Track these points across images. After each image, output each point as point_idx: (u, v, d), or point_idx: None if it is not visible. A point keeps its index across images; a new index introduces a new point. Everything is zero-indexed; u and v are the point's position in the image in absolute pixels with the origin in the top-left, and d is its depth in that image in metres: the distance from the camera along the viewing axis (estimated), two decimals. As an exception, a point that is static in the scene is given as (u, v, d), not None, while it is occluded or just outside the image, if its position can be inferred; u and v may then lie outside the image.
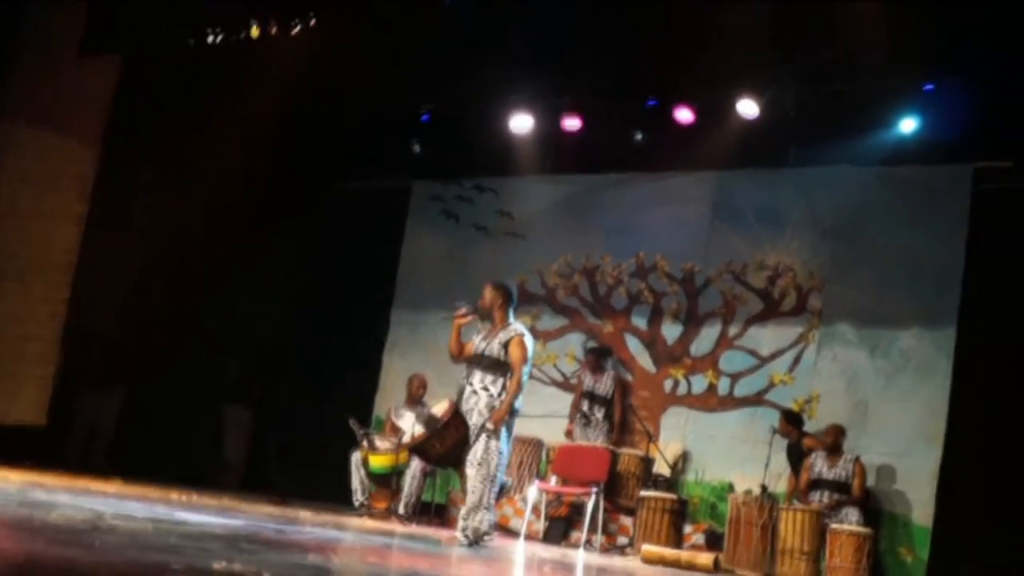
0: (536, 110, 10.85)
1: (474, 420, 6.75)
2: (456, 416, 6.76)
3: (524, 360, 6.84)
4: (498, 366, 6.82)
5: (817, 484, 8.93)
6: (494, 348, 6.85)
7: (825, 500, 8.79)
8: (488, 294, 7.06)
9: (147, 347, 10.94)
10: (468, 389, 6.85)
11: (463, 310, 6.95)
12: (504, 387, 6.81)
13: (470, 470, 6.72)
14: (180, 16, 9.90)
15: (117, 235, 10.18)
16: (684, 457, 10.22)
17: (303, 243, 12.51)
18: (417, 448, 7.25)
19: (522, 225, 11.70)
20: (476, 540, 6.61)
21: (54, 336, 9.82)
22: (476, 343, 6.99)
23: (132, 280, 10.39)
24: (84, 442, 10.77)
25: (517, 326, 7.02)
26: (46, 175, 9.94)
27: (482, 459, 6.67)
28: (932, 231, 9.57)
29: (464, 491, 6.81)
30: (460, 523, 6.76)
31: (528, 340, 6.94)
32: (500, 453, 6.75)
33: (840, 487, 8.83)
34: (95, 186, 9.92)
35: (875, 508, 9.10)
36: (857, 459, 8.95)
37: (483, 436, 6.70)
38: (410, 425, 9.55)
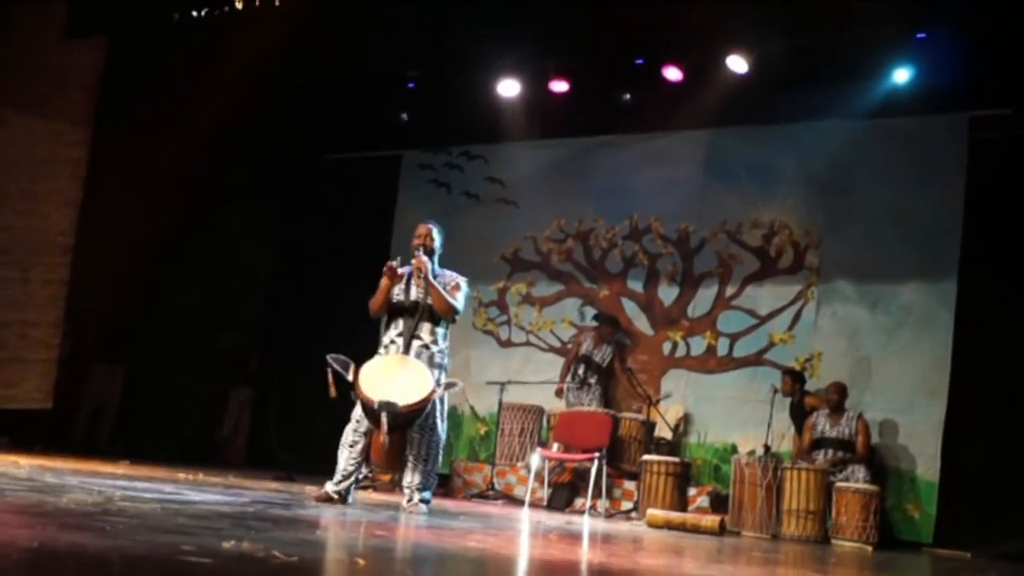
0: (523, 74, 10.79)
1: None
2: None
3: (465, 296, 6.43)
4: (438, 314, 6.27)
5: (820, 443, 8.94)
6: (442, 298, 6.22)
7: (829, 458, 8.80)
8: (436, 236, 6.44)
9: (147, 327, 10.94)
10: (417, 343, 6.21)
11: (396, 263, 6.31)
12: (446, 341, 6.37)
13: (415, 433, 6.15)
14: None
15: (112, 215, 10.14)
16: (685, 419, 10.23)
17: (294, 216, 12.46)
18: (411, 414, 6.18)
19: (513, 191, 11.64)
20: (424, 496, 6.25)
21: (55, 319, 9.80)
22: (402, 291, 6.34)
23: (129, 260, 10.36)
24: (90, 424, 10.78)
25: (455, 274, 6.45)
26: (38, 159, 9.90)
27: (433, 423, 6.22)
28: (929, 182, 9.53)
29: (413, 455, 6.17)
30: (414, 494, 6.23)
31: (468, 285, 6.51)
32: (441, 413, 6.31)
33: (844, 445, 8.85)
34: (88, 168, 9.87)
35: (880, 465, 9.13)
36: (860, 416, 8.97)
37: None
38: None
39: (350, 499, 6.28)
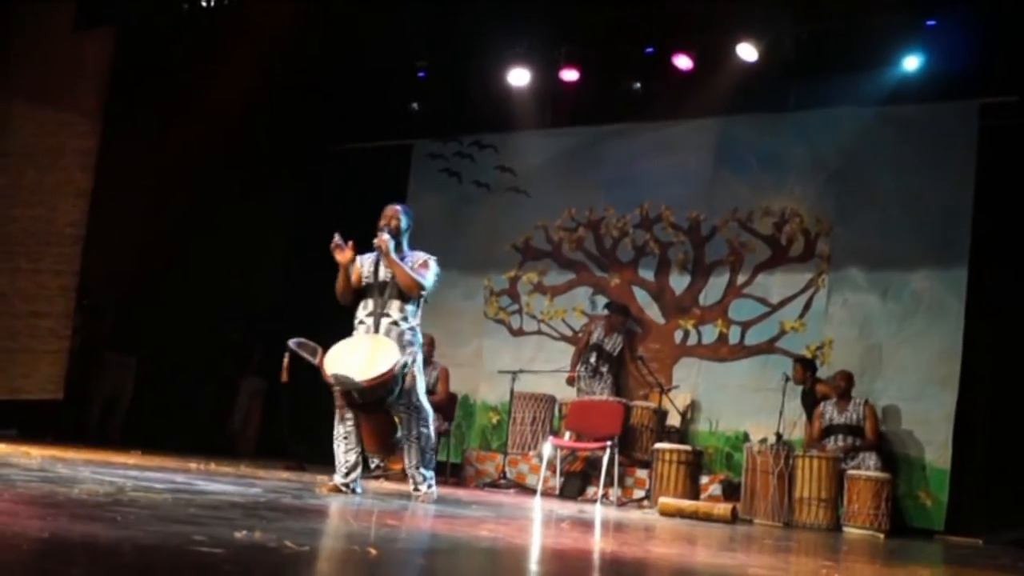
0: (533, 63, 10.77)
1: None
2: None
3: (433, 278, 6.32)
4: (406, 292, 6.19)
5: (830, 431, 8.95)
6: (405, 273, 6.16)
7: (840, 445, 8.80)
8: (400, 216, 6.38)
9: (157, 317, 10.96)
10: (386, 321, 6.15)
11: (338, 240, 6.21)
12: (417, 319, 6.28)
13: (403, 413, 6.15)
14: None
15: (122, 206, 10.16)
16: (692, 407, 10.23)
17: (305, 206, 12.45)
18: (375, 389, 6.00)
19: (524, 180, 11.64)
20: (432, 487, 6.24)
21: (66, 310, 9.84)
22: (371, 272, 6.29)
23: (139, 250, 10.40)
24: (101, 414, 10.82)
25: (423, 253, 6.42)
26: (48, 151, 9.92)
27: (413, 400, 6.15)
28: (939, 170, 9.51)
29: (405, 435, 6.18)
30: (416, 473, 6.25)
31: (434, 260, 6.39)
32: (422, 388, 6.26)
33: (853, 431, 8.85)
34: (98, 158, 9.90)
35: (892, 452, 9.12)
36: (866, 402, 8.98)
37: (410, 375, 6.13)
38: None
39: (359, 489, 6.28)
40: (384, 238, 6.19)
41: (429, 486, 6.30)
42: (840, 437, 8.87)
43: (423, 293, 6.25)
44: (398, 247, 6.34)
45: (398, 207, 6.49)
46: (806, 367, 9.36)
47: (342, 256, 6.25)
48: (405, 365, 6.04)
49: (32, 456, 6.53)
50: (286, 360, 6.33)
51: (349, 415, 6.19)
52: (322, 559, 3.20)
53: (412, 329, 6.23)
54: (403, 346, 6.09)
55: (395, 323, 6.16)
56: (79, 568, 2.48)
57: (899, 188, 9.67)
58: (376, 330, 6.14)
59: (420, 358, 6.27)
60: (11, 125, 9.96)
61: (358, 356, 5.98)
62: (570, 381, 10.35)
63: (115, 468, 6.24)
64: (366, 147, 12.42)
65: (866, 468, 8.63)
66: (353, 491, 6.20)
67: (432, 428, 6.32)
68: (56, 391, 9.75)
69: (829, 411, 9.02)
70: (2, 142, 9.93)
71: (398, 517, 5.20)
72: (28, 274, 9.81)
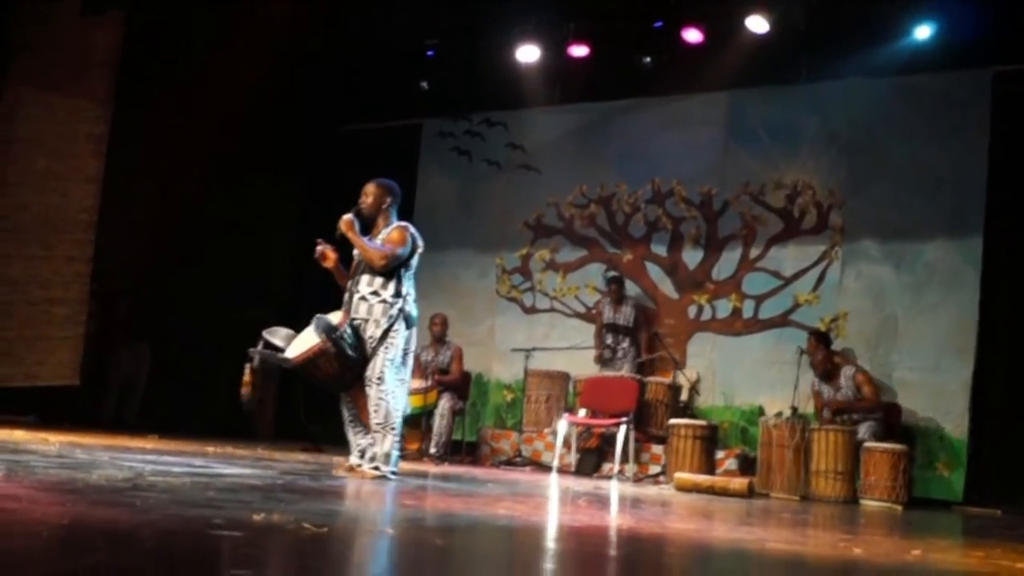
0: (542, 39, 10.73)
1: (372, 332, 5.98)
2: (351, 329, 5.98)
3: (401, 245, 6.06)
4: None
5: (829, 407, 8.94)
6: (364, 247, 6.08)
7: (843, 420, 8.79)
8: (373, 192, 6.30)
9: (170, 301, 11.00)
10: (356, 297, 6.07)
11: (321, 248, 6.19)
12: (397, 291, 6.04)
13: (370, 389, 5.96)
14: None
15: (133, 191, 10.19)
16: (711, 383, 10.22)
17: (315, 188, 12.45)
18: (305, 367, 5.98)
19: (534, 157, 11.60)
20: (386, 468, 5.94)
21: (81, 296, 9.90)
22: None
23: (150, 235, 10.43)
24: (118, 399, 10.87)
25: (401, 222, 6.29)
26: (59, 137, 9.96)
27: (382, 373, 5.95)
28: (952, 140, 9.45)
29: (365, 415, 6.03)
30: (367, 452, 6.01)
31: (412, 229, 6.20)
32: (400, 365, 6.04)
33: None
34: (109, 144, 9.92)
35: (909, 424, 9.09)
36: (855, 371, 8.96)
37: (381, 349, 5.96)
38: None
39: None
40: (345, 218, 6.13)
41: (370, 460, 6.01)
42: (843, 416, 8.86)
43: (383, 264, 6.01)
44: (377, 222, 6.26)
45: (374, 183, 6.36)
46: (819, 340, 9.33)
47: (327, 263, 6.24)
48: (340, 337, 5.87)
49: (50, 442, 6.57)
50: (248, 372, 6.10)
51: (348, 398, 6.20)
52: (341, 540, 3.21)
53: (385, 302, 6.02)
54: (383, 318, 5.98)
55: (363, 298, 6.04)
56: (100, 553, 2.49)
57: (912, 158, 9.61)
58: (348, 307, 6.07)
59: (403, 332, 6.04)
60: (21, 112, 10.00)
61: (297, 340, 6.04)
62: (597, 359, 10.31)
63: (133, 453, 6.27)
64: (376, 127, 12.40)
65: (871, 436, 8.61)
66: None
67: (390, 406, 5.98)
68: (73, 377, 9.81)
69: (825, 390, 9.03)
70: (13, 129, 9.97)
71: (415, 497, 5.22)
72: (42, 261, 9.86)
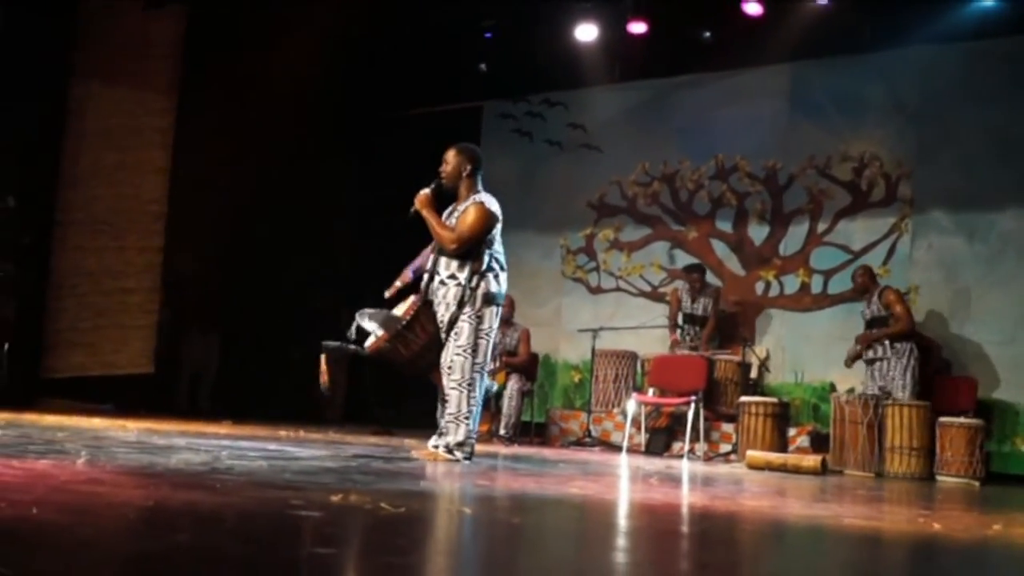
0: (600, 17, 10.67)
1: (442, 315, 5.71)
2: (423, 313, 5.71)
3: (476, 226, 5.71)
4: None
5: (869, 326, 8.91)
6: (433, 228, 5.80)
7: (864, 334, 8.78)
8: (452, 159, 5.92)
9: (239, 288, 11.13)
10: (436, 280, 5.77)
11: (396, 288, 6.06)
12: (474, 269, 5.71)
13: (444, 378, 5.72)
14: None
15: (200, 181, 10.32)
16: (769, 357, 10.11)
17: (379, 171, 12.51)
18: (380, 354, 5.82)
19: (595, 137, 11.56)
20: (459, 453, 5.70)
21: (153, 285, 10.07)
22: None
23: (217, 224, 10.57)
24: (191, 386, 11.04)
25: (481, 196, 5.85)
26: (127, 130, 10.13)
27: (452, 362, 5.68)
28: (1022, 105, 9.22)
29: (442, 400, 5.81)
30: (442, 436, 5.76)
31: (490, 205, 5.80)
32: (473, 351, 5.70)
33: (879, 323, 8.81)
34: (175, 135, 10.06)
35: (985, 399, 8.93)
36: (885, 289, 8.88)
37: (452, 336, 5.67)
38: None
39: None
40: (421, 194, 5.89)
41: (444, 446, 5.77)
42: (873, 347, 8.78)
43: (455, 248, 5.71)
44: (460, 191, 5.93)
45: (453, 148, 5.97)
46: (867, 272, 9.14)
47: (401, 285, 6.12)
48: (406, 327, 5.65)
49: (128, 429, 6.69)
50: (323, 362, 6.04)
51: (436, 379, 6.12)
52: (419, 519, 3.23)
53: (460, 285, 5.71)
54: (463, 305, 5.69)
55: (443, 281, 5.75)
56: (185, 533, 2.53)
57: (983, 125, 9.42)
58: (425, 290, 5.81)
59: (475, 315, 5.71)
60: (89, 106, 10.17)
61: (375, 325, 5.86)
62: (674, 344, 10.23)
63: (208, 438, 6.36)
64: (437, 111, 12.43)
65: (896, 355, 8.56)
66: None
67: (465, 392, 5.71)
68: (147, 365, 10.00)
69: (863, 311, 9.00)
70: (82, 123, 10.14)
71: (487, 477, 5.23)
72: (115, 252, 10.04)
